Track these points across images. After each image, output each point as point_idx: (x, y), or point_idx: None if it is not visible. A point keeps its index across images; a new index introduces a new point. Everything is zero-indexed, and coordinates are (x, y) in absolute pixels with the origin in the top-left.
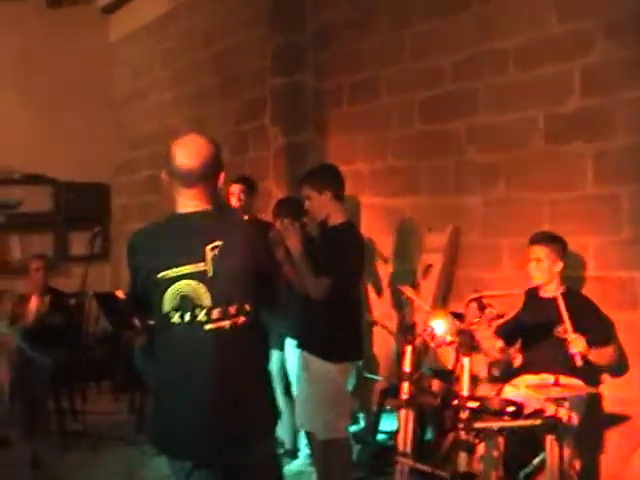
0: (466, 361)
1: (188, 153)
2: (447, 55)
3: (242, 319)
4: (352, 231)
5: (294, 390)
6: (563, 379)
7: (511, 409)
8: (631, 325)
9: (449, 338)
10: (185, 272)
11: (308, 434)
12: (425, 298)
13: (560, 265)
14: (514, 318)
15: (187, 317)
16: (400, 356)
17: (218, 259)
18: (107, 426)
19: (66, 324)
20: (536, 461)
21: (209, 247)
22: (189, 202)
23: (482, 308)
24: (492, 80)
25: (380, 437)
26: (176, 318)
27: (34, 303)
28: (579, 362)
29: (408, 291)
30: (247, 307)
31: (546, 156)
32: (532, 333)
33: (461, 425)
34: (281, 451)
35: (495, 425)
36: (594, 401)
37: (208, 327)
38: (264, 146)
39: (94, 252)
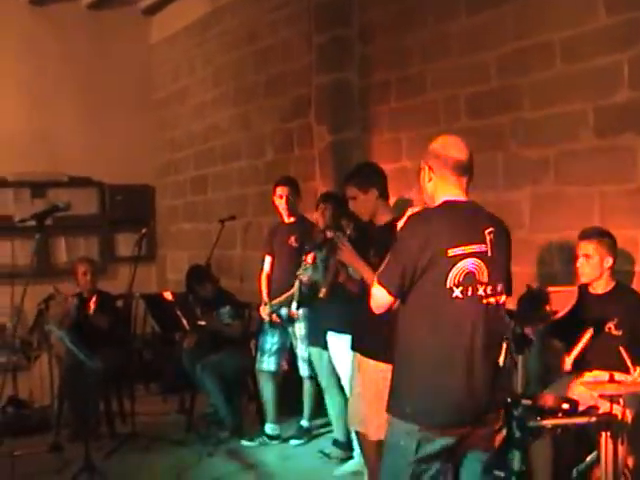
0: (520, 359)
1: (460, 148)
2: (493, 49)
3: (502, 298)
4: None
5: (346, 389)
6: (618, 375)
7: (566, 406)
8: None
9: None
10: (472, 250)
11: (358, 433)
12: None
13: (610, 261)
14: (567, 315)
15: (469, 292)
16: None
17: (493, 242)
18: (157, 427)
19: (113, 325)
20: (589, 458)
21: (487, 231)
22: (455, 190)
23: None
24: (539, 74)
25: None
26: (458, 292)
27: (71, 302)
28: None
29: None
30: (502, 288)
31: (595, 149)
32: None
33: (515, 423)
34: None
35: (549, 423)
36: None
37: (485, 301)
38: (309, 144)
39: (140, 253)
